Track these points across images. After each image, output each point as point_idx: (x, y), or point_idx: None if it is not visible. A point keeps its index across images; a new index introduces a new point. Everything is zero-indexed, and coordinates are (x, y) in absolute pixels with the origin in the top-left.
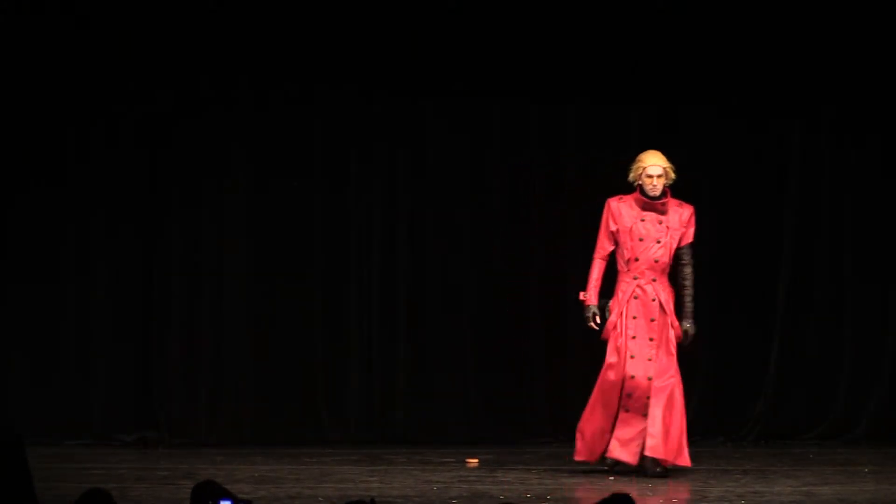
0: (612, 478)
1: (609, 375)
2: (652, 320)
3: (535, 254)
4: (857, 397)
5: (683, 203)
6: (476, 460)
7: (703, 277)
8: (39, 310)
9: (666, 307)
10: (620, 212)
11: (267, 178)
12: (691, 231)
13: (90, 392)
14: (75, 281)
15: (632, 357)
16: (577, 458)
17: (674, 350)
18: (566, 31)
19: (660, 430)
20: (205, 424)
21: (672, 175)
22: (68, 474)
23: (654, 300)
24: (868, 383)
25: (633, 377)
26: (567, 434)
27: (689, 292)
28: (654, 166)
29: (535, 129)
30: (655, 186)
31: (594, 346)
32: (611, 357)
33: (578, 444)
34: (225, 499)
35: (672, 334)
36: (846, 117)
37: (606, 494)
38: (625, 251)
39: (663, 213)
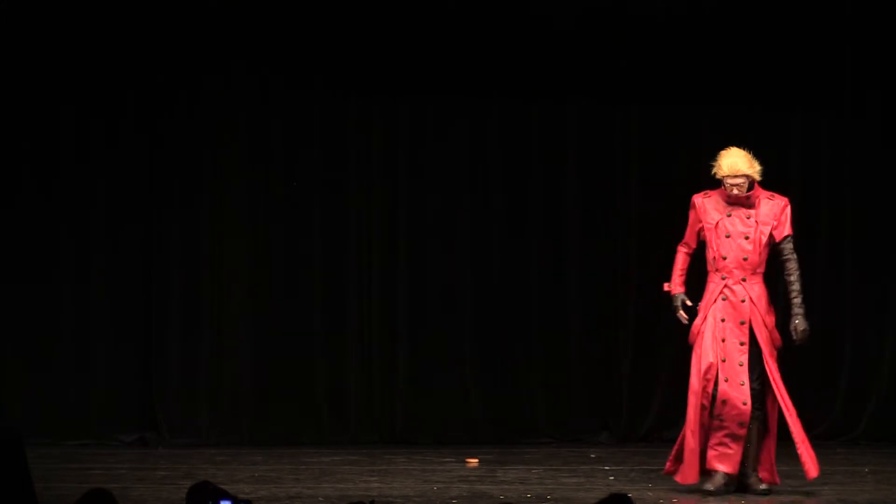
0: (612, 477)
1: (694, 390)
2: (742, 323)
3: (534, 253)
4: (857, 398)
5: (775, 195)
6: (476, 460)
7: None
8: (38, 309)
9: (759, 307)
10: (706, 208)
11: (267, 177)
12: (787, 224)
13: (90, 392)
14: (74, 281)
15: (726, 379)
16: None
17: (770, 354)
18: (561, 31)
19: (758, 450)
20: (205, 425)
21: (757, 178)
22: (68, 475)
23: (743, 301)
24: (868, 383)
25: (724, 402)
26: (567, 433)
27: (795, 287)
28: (732, 177)
29: (535, 128)
30: (736, 192)
31: (594, 347)
32: (694, 369)
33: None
34: (224, 499)
35: (768, 336)
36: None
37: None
38: (711, 249)
39: (751, 206)
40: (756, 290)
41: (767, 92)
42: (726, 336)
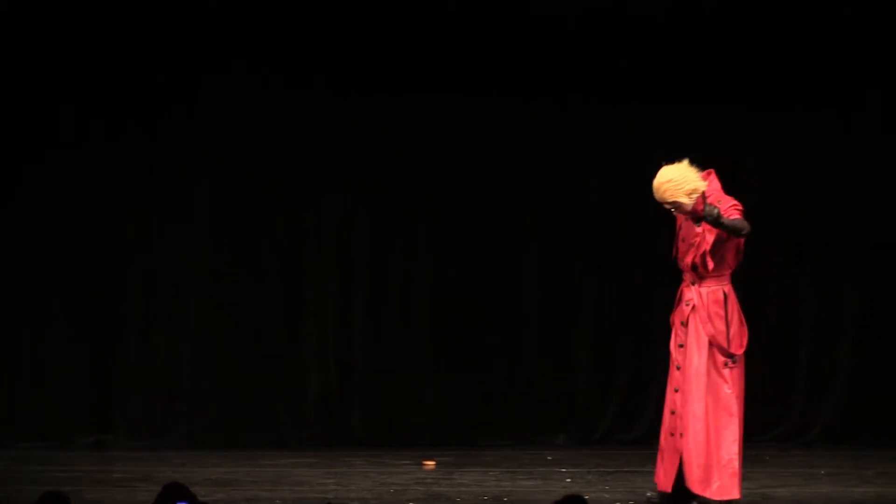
0: (568, 479)
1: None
2: (683, 324)
3: (491, 256)
4: (814, 400)
5: (725, 196)
6: (433, 462)
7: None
8: None
9: (704, 311)
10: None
11: (224, 177)
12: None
13: (46, 394)
14: (30, 281)
15: (675, 389)
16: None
17: (712, 361)
18: (560, 31)
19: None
20: (162, 427)
21: (687, 199)
22: (25, 477)
23: (688, 304)
24: (824, 385)
25: (672, 412)
26: (524, 436)
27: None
28: (662, 203)
29: (495, 128)
30: (674, 212)
31: (551, 348)
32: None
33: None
34: (182, 501)
35: (705, 342)
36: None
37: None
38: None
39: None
40: (705, 292)
41: (767, 92)
42: (684, 341)
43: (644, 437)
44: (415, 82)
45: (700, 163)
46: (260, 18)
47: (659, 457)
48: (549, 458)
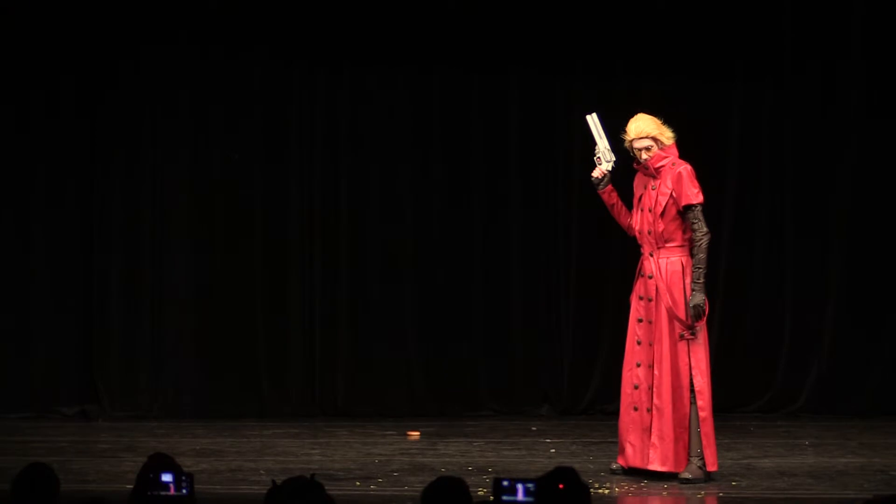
0: (553, 450)
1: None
2: (644, 299)
3: (478, 225)
4: (798, 370)
5: (679, 162)
6: (417, 433)
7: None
8: None
9: (663, 282)
10: (636, 181)
11: (207, 147)
12: (686, 191)
13: (30, 364)
14: (14, 251)
15: (637, 363)
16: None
17: (674, 334)
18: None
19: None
20: (146, 397)
21: (666, 142)
22: (8, 448)
23: (650, 277)
24: (808, 356)
25: (635, 387)
26: (508, 406)
27: (696, 259)
28: (638, 139)
29: (475, 98)
30: (644, 155)
31: (535, 320)
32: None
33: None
34: (166, 472)
35: (666, 313)
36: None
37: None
38: (634, 223)
39: (656, 177)
40: (664, 263)
41: (707, 63)
42: (643, 315)
43: None
44: (355, 52)
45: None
46: None
47: (622, 432)
48: (534, 428)
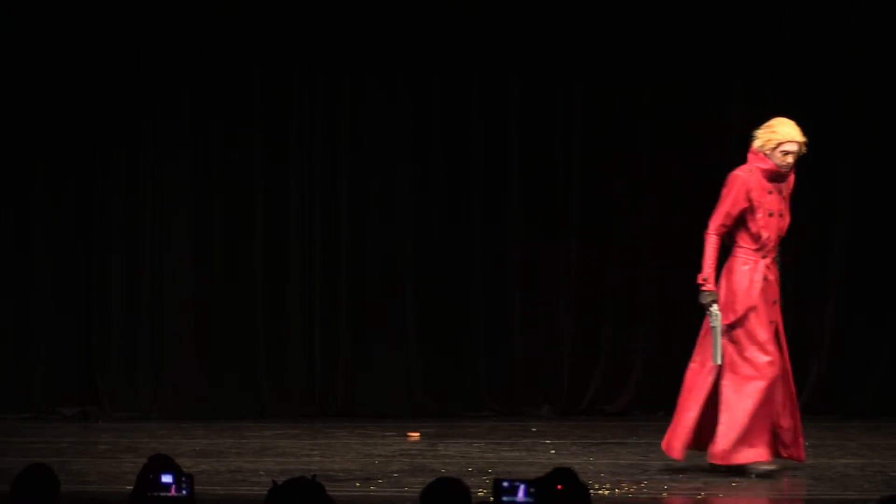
0: (553, 451)
1: (768, 373)
2: (774, 302)
3: (478, 225)
4: (798, 370)
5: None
6: (417, 434)
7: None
8: None
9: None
10: (752, 185)
11: (207, 147)
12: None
13: (31, 365)
14: (14, 253)
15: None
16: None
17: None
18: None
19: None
20: (146, 398)
21: (805, 150)
22: (8, 448)
23: (775, 280)
24: (808, 356)
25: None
26: (508, 407)
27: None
28: (791, 142)
29: (475, 99)
30: (791, 160)
31: (535, 320)
32: (762, 353)
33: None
34: (166, 473)
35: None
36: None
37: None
38: (752, 226)
39: (786, 181)
40: (777, 268)
41: (707, 63)
42: (776, 318)
43: (627, 410)
44: (356, 55)
45: None
46: None
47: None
48: (534, 429)
